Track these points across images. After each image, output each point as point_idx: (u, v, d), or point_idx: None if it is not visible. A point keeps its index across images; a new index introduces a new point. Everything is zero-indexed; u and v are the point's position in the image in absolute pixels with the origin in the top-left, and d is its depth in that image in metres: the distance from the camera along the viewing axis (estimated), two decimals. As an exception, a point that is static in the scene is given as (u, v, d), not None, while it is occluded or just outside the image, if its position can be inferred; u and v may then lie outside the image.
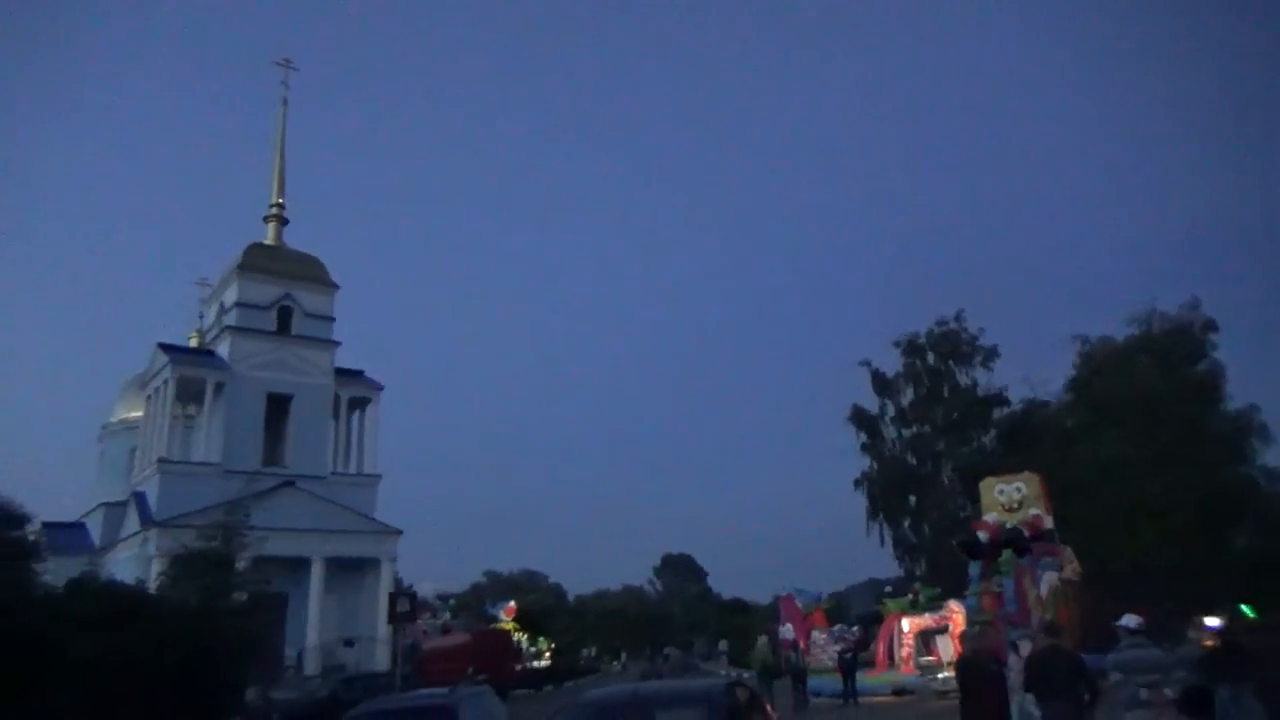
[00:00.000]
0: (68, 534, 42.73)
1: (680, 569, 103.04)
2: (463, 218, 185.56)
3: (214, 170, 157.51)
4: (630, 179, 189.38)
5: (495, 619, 54.31)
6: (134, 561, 37.59)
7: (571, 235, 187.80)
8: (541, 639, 60.15)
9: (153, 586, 24.34)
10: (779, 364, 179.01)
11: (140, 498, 41.28)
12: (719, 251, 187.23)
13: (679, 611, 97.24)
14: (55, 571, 21.19)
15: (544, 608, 74.20)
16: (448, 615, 60.57)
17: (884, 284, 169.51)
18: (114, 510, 45.60)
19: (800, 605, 37.41)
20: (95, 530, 46.52)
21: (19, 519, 19.94)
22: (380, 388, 46.77)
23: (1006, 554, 25.78)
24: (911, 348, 47.89)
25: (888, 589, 42.57)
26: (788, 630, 35.62)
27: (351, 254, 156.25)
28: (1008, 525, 26.83)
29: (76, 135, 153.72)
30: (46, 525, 23.92)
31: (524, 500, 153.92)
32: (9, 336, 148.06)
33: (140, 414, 47.29)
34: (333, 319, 46.46)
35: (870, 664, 28.07)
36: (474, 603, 72.73)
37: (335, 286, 47.03)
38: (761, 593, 75.95)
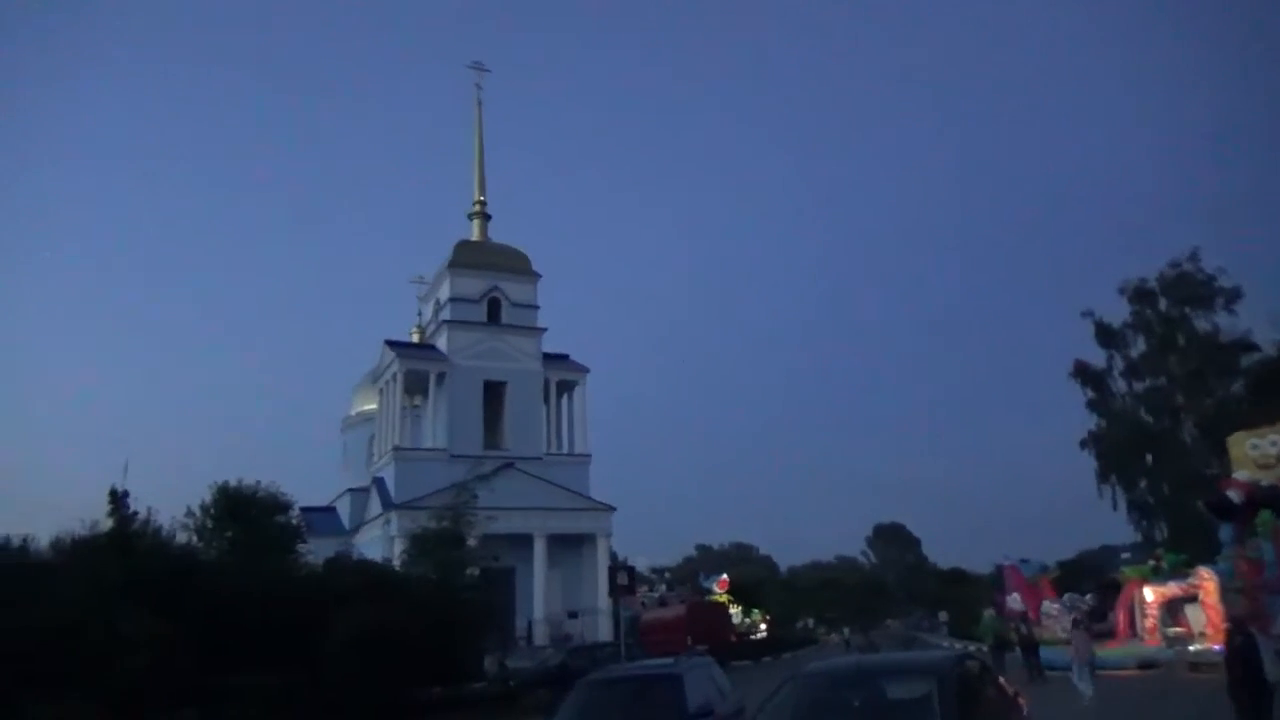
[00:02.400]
0: (322, 518, 46.93)
1: (893, 538, 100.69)
2: (654, 192, 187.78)
3: (428, 173, 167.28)
4: (820, 128, 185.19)
5: (709, 591, 55.27)
6: (379, 542, 40.77)
7: (766, 194, 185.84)
8: (755, 611, 60.57)
9: (397, 564, 26.43)
10: (994, 318, 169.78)
11: (380, 483, 44.76)
12: (928, 200, 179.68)
13: (894, 582, 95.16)
14: (314, 552, 23.60)
15: (756, 580, 74.60)
16: (663, 588, 62.30)
17: (1106, 227, 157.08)
18: (358, 495, 49.63)
19: (1026, 575, 35.62)
20: (344, 514, 50.73)
21: (284, 506, 22.41)
22: (585, 370, 48.32)
23: (1264, 514, 23.37)
24: (1140, 294, 44.04)
25: (1124, 555, 39.70)
26: (1014, 600, 34.05)
27: (551, 239, 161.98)
28: (1264, 483, 24.36)
29: (310, 150, 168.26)
30: (304, 510, 26.30)
31: (732, 473, 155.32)
32: (268, 344, 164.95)
33: (374, 406, 51.17)
34: (537, 307, 48.56)
35: (1108, 635, 26.28)
36: (687, 576, 74.18)
37: (537, 275, 49.07)
38: (980, 562, 72.93)
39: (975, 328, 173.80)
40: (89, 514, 18.09)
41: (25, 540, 17.56)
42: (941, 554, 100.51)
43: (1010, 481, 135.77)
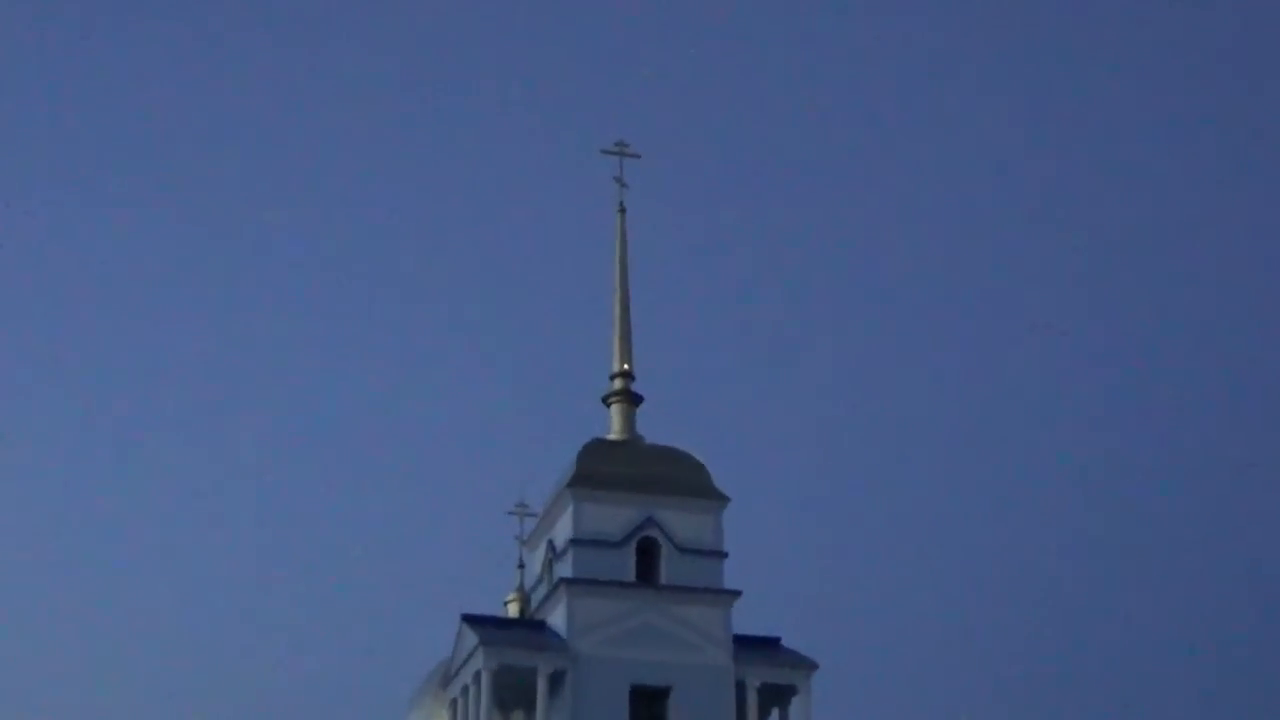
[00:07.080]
0: None
1: None
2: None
3: (534, 327, 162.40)
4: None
5: None
6: None
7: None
8: None
9: None
10: None
11: None
12: None
13: None
14: None
15: None
16: None
17: None
18: None
19: None
20: None
21: None
22: (813, 666, 41.60)
23: None
24: None
25: None
26: None
27: (747, 434, 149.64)
28: None
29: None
30: None
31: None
32: (274, 621, 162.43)
33: (444, 729, 47.87)
34: (724, 554, 42.99)
35: None
36: None
37: (724, 499, 43.63)
38: None
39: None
40: None
41: None
42: None
43: None
